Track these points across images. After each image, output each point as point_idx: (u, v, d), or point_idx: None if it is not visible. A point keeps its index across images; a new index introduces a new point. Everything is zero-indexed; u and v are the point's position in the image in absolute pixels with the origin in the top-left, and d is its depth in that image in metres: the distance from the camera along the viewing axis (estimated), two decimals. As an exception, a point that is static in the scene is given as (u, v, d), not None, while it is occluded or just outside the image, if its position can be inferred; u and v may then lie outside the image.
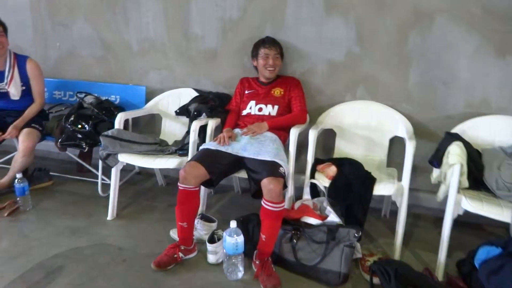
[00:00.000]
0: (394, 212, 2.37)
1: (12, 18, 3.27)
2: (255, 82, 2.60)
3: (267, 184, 1.98)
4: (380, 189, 2.12)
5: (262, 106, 2.49)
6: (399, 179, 2.21)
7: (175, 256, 2.08)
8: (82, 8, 3.12)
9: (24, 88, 2.83)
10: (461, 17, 2.32)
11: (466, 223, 2.32)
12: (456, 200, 1.99)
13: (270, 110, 2.48)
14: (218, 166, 2.17)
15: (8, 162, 2.88)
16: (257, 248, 2.06)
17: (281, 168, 2.09)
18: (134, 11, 2.98)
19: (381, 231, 2.48)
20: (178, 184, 2.11)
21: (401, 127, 2.44)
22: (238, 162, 2.23)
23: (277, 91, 2.52)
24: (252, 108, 2.51)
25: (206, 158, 2.17)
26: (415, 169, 2.52)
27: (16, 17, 3.30)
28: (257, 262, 2.03)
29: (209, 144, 2.28)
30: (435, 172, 2.21)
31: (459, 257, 2.10)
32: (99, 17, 3.09)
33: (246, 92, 2.59)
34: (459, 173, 1.97)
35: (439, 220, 2.53)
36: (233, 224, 1.96)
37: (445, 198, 2.07)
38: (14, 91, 2.78)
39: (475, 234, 2.44)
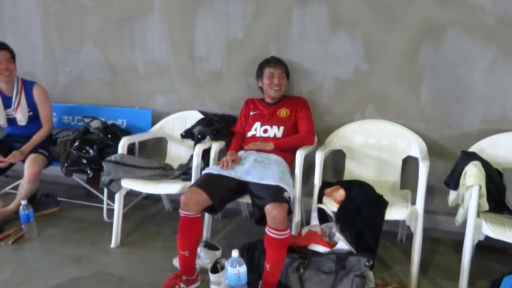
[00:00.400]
0: (411, 236, 2.21)
1: (24, 43, 3.35)
2: (260, 103, 2.54)
3: (271, 210, 1.88)
4: (392, 213, 1.98)
5: (268, 127, 2.41)
6: (413, 202, 2.08)
7: (176, 287, 1.99)
8: (90, 33, 3.15)
9: (31, 113, 2.84)
10: (475, 29, 2.20)
11: (489, 248, 2.15)
12: (476, 225, 1.85)
13: (275, 131, 2.39)
14: (220, 191, 2.08)
15: (17, 188, 2.86)
16: (262, 278, 1.95)
17: (285, 193, 1.99)
18: (140, 35, 2.98)
19: (396, 258, 2.32)
20: (179, 210, 2.03)
21: (414, 146, 2.31)
22: (242, 187, 2.13)
23: (283, 112, 2.44)
24: (257, 129, 2.44)
25: (208, 183, 2.09)
26: (431, 190, 2.39)
27: (28, 42, 3.36)
28: None
29: (212, 169, 2.20)
30: (452, 195, 2.06)
31: (482, 287, 1.93)
32: (107, 42, 3.11)
33: (251, 113, 2.52)
34: (478, 196, 1.83)
35: (459, 244, 2.35)
36: (234, 253, 1.86)
37: (464, 222, 1.93)
38: (21, 117, 2.79)
39: (500, 260, 2.26)
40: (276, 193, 1.97)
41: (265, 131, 2.41)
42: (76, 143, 2.70)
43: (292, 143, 2.33)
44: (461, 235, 2.33)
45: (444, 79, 2.31)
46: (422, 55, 2.32)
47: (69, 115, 3.26)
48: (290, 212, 2.00)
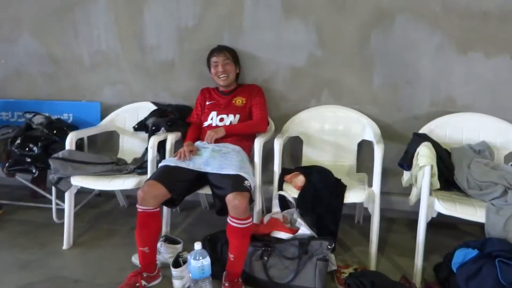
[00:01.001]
0: (368, 218, 2.28)
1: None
2: (215, 92, 2.48)
3: (232, 200, 1.85)
4: (351, 196, 2.03)
5: (224, 116, 2.37)
6: (370, 184, 2.14)
7: (137, 285, 1.91)
8: (27, 21, 2.91)
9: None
10: (422, 15, 2.28)
11: (441, 224, 2.26)
12: (429, 203, 1.93)
13: (231, 119, 2.35)
14: (179, 183, 2.02)
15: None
16: (226, 269, 1.92)
17: (246, 182, 1.97)
18: (84, 23, 2.80)
19: (355, 239, 2.39)
20: (137, 206, 1.95)
21: (369, 130, 2.37)
22: (201, 178, 2.09)
23: (239, 100, 2.40)
24: (213, 119, 2.39)
25: (165, 175, 2.02)
26: (385, 172, 2.45)
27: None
28: (226, 284, 1.88)
29: (169, 161, 2.12)
30: (406, 175, 2.14)
31: (436, 261, 2.04)
32: (46, 31, 2.89)
33: (207, 103, 2.46)
34: (430, 175, 1.91)
35: (413, 223, 2.46)
36: (197, 246, 1.82)
37: (418, 201, 2.01)
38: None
39: (451, 234, 2.39)
40: (237, 183, 1.95)
41: (221, 119, 2.37)
42: (18, 141, 2.50)
43: (243, 129, 2.32)
44: (415, 214, 2.42)
45: (394, 64, 2.39)
46: (373, 41, 2.38)
47: (8, 111, 3.02)
48: (251, 200, 1.98)
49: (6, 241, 2.43)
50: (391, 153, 2.34)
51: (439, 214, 1.92)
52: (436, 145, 2.07)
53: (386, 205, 2.52)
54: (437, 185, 1.97)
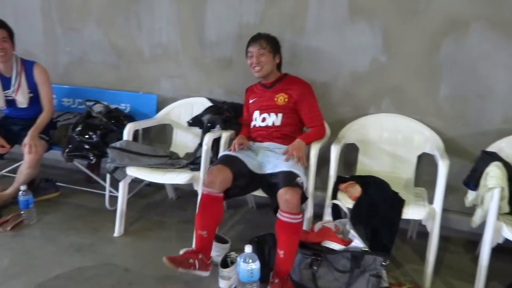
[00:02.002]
0: (422, 234, 2.19)
1: (23, 22, 3.20)
2: (257, 87, 2.37)
3: (283, 194, 1.84)
4: (410, 212, 1.93)
5: (265, 115, 2.27)
6: (429, 201, 2.03)
7: (191, 262, 1.88)
8: (93, 12, 3.01)
9: (31, 95, 2.71)
10: (499, 25, 2.12)
11: (505, 250, 2.10)
12: (496, 228, 1.80)
13: (273, 119, 2.25)
14: (241, 177, 2.02)
15: (15, 171, 2.76)
16: (274, 267, 1.88)
17: (298, 178, 1.94)
18: (147, 16, 2.86)
19: (408, 256, 2.28)
20: (203, 187, 1.98)
21: (431, 143, 2.25)
22: (256, 179, 2.07)
23: (281, 98, 2.24)
24: (257, 119, 2.31)
25: (233, 163, 2.03)
26: (445, 188, 2.33)
27: (27, 21, 3.21)
28: (275, 281, 1.83)
29: (227, 152, 2.13)
30: (471, 195, 2.01)
31: (497, 289, 1.90)
32: (111, 22, 2.97)
33: (250, 101, 2.38)
34: (499, 198, 1.78)
35: (471, 244, 2.35)
36: (248, 248, 1.80)
37: (482, 223, 1.88)
38: (22, 98, 2.66)
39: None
40: (289, 178, 1.93)
41: (263, 119, 2.28)
42: (79, 128, 2.60)
43: (315, 137, 2.24)
44: (473, 234, 2.31)
45: (464, 75, 2.24)
46: (443, 50, 2.24)
47: (70, 98, 3.14)
48: (304, 198, 1.95)
49: (63, 223, 2.53)
50: (454, 169, 2.18)
51: (505, 240, 1.79)
52: (507, 165, 1.93)
53: (443, 223, 2.36)
54: (506, 209, 1.85)
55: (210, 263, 2.00)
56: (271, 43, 2.23)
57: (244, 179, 2.03)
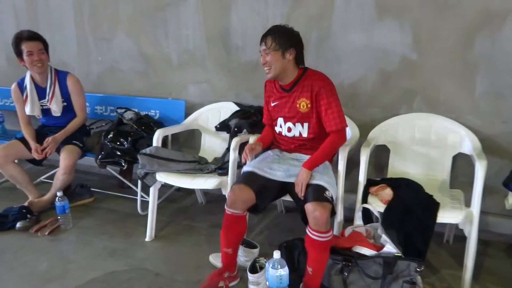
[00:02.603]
0: (459, 238, 2.09)
1: (57, 33, 3.33)
2: (276, 87, 2.10)
3: (312, 211, 1.77)
4: (446, 216, 1.85)
5: (290, 125, 2.07)
6: (466, 203, 1.94)
7: (221, 285, 1.92)
8: (123, 21, 3.08)
9: (65, 104, 2.81)
10: (538, 16, 2.01)
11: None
12: (540, 231, 1.69)
13: (300, 129, 2.05)
14: (265, 190, 1.99)
15: (52, 177, 2.86)
16: (303, 281, 1.86)
17: (327, 192, 1.85)
18: (174, 23, 2.90)
19: (444, 261, 2.19)
20: (226, 207, 1.97)
21: (467, 143, 2.15)
22: (284, 187, 2.03)
23: (303, 104, 1.98)
24: (282, 127, 2.11)
25: (253, 181, 1.98)
26: (483, 189, 2.23)
27: (61, 33, 3.33)
28: None
29: (251, 166, 2.06)
30: (511, 197, 1.90)
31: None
32: (139, 31, 3.04)
33: (272, 104, 2.13)
34: (543, 200, 1.67)
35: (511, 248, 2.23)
36: (276, 254, 1.77)
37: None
38: (56, 107, 2.77)
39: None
40: (317, 192, 1.84)
41: (289, 129, 2.08)
42: (111, 135, 2.66)
43: (324, 156, 1.97)
44: (515, 238, 2.19)
45: (501, 71, 2.13)
46: (477, 45, 2.14)
47: (102, 106, 3.23)
48: (333, 213, 1.89)
49: (97, 228, 2.60)
50: (492, 169, 2.11)
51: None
52: (550, 165, 1.82)
53: (481, 226, 2.25)
54: (551, 212, 1.73)
55: (237, 272, 2.03)
56: (278, 39, 1.92)
57: (269, 191, 2.00)
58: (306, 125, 2.03)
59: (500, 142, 2.20)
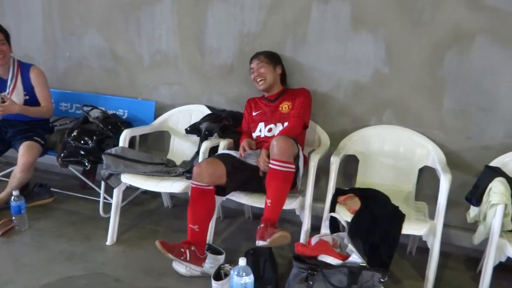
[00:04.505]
0: (422, 250, 2.12)
1: (24, 25, 3.18)
2: (261, 100, 2.41)
3: (275, 143, 1.81)
4: (410, 228, 1.88)
5: (272, 126, 2.29)
6: (430, 215, 1.98)
7: (182, 250, 1.88)
8: (95, 18, 2.98)
9: (27, 98, 2.67)
10: (505, 39, 2.08)
11: (508, 268, 2.04)
12: (499, 245, 1.74)
13: (280, 128, 2.25)
14: (237, 173, 1.98)
15: (9, 175, 2.71)
16: (261, 218, 1.87)
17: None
18: (148, 23, 2.83)
19: (406, 272, 2.21)
20: (191, 181, 1.96)
21: (433, 156, 2.20)
22: (255, 176, 2.02)
23: (285, 106, 2.28)
24: (262, 130, 2.31)
25: (227, 160, 1.99)
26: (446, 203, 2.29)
27: (28, 25, 3.19)
28: (261, 225, 1.83)
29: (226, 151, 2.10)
30: (473, 211, 1.95)
31: (499, 310, 1.84)
32: (111, 28, 2.95)
33: (254, 113, 2.39)
34: (503, 215, 1.72)
35: (472, 261, 2.30)
36: (242, 261, 1.74)
37: (483, 240, 1.83)
38: (17, 100, 2.62)
39: (515, 281, 2.16)
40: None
41: (270, 130, 2.29)
42: (74, 133, 2.55)
43: (287, 133, 2.06)
44: (474, 251, 2.25)
45: (468, 89, 2.19)
46: (447, 62, 2.20)
47: (67, 102, 3.11)
48: (294, 184, 1.94)
49: (54, 230, 2.47)
50: (456, 183, 2.14)
51: (508, 259, 1.74)
52: (510, 181, 1.88)
53: (443, 238, 2.30)
54: (510, 226, 1.79)
55: (203, 258, 1.97)
56: (269, 57, 2.33)
57: (242, 173, 1.99)
58: (286, 124, 2.22)
59: (464, 157, 2.27)
